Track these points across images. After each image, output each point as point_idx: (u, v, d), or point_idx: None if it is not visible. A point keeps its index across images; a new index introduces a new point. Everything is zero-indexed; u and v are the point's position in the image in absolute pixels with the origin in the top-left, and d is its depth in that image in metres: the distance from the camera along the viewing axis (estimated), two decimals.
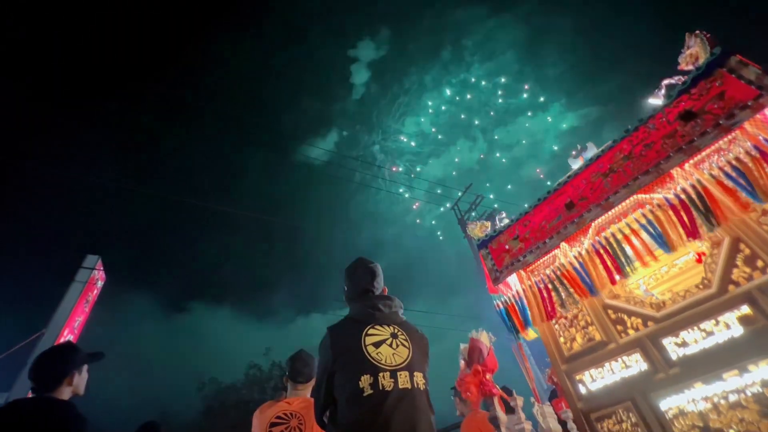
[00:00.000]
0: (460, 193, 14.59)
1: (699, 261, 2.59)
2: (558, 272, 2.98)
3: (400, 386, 1.45)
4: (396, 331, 1.61)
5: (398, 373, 1.47)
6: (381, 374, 1.44)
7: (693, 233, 2.34)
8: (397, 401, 1.41)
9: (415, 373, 1.52)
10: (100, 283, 15.75)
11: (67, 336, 13.11)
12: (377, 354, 1.49)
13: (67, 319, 13.15)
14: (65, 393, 1.70)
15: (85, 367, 1.84)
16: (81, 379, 1.80)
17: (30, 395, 1.70)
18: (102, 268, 15.42)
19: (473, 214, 14.48)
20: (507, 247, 3.27)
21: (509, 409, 3.43)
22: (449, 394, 3.75)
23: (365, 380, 1.41)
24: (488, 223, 3.85)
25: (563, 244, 2.96)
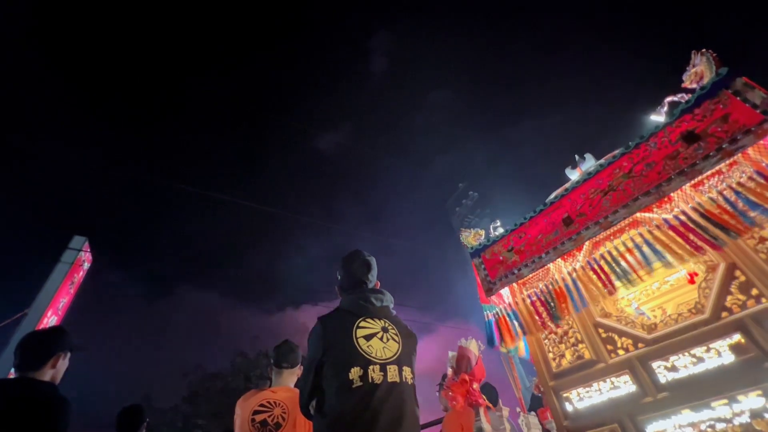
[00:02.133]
0: (457, 191, 14.58)
1: (691, 281, 2.59)
2: (550, 287, 2.96)
3: (389, 380, 1.46)
4: (387, 325, 1.63)
5: (388, 367, 1.49)
6: (371, 367, 1.45)
7: (710, 247, 2.28)
8: (385, 394, 1.42)
9: (404, 368, 1.54)
10: (86, 265, 15.51)
11: (51, 317, 12.93)
12: (368, 347, 1.50)
13: (52, 299, 12.97)
14: (47, 375, 1.71)
15: (69, 355, 1.84)
16: (63, 365, 1.80)
17: (11, 375, 1.71)
18: (89, 250, 15.18)
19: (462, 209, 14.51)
20: (501, 258, 3.24)
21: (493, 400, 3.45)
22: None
23: (355, 372, 1.43)
24: (482, 231, 3.81)
25: (558, 260, 2.93)
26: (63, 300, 14.00)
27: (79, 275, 15.14)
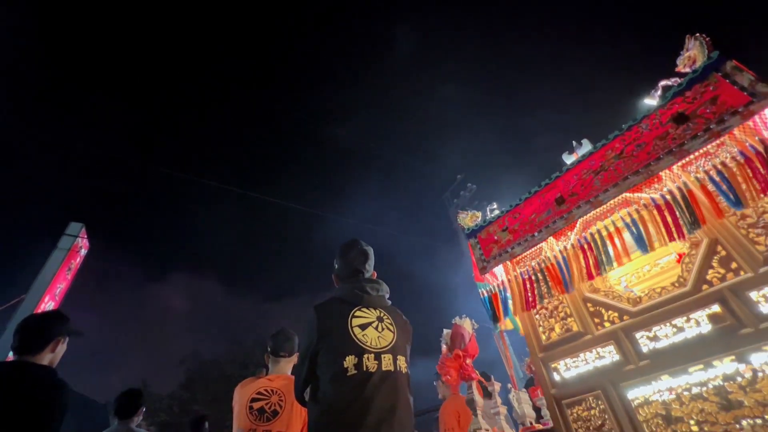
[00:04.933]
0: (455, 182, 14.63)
1: (679, 261, 2.68)
2: (542, 265, 3.05)
3: (384, 368, 1.48)
4: (382, 314, 1.64)
5: (382, 356, 1.50)
6: (366, 356, 1.46)
7: (679, 234, 2.40)
8: (379, 382, 1.44)
9: (399, 357, 1.56)
10: (83, 251, 15.53)
11: (48, 302, 12.97)
12: (363, 336, 1.51)
13: (49, 285, 12.99)
14: (46, 359, 1.71)
15: (67, 340, 1.84)
16: (61, 349, 1.80)
17: (9, 358, 1.72)
18: (86, 236, 15.19)
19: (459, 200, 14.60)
20: (496, 237, 3.33)
21: (486, 394, 3.57)
22: None
23: (350, 360, 1.44)
24: (479, 213, 3.90)
25: (550, 238, 3.02)
26: (60, 286, 14.04)
27: (76, 261, 15.16)
